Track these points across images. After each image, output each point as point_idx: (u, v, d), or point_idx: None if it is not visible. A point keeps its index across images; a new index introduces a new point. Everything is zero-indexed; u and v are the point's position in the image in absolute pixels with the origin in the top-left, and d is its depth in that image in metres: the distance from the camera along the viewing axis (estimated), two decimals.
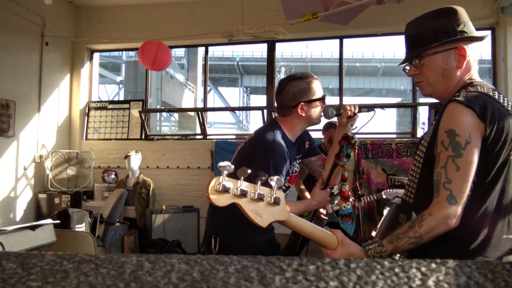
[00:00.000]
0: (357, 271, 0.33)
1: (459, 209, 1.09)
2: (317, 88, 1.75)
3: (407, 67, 1.33)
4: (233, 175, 0.98)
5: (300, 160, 1.91)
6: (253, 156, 1.71)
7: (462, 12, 1.25)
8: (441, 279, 0.32)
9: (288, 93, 1.74)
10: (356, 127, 1.68)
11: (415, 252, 1.22)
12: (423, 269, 0.33)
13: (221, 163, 0.94)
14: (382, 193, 3.53)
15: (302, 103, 1.72)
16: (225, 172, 0.93)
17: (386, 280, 0.32)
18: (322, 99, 1.76)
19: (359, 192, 3.57)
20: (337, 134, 1.74)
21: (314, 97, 1.73)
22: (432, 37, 1.22)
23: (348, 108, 1.67)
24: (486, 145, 1.10)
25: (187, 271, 0.33)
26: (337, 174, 1.75)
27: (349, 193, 1.70)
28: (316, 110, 1.75)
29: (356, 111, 1.67)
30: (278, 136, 1.73)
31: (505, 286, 0.31)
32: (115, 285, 0.31)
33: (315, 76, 1.79)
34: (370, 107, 1.71)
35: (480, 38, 1.25)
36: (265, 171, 1.66)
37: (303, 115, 1.73)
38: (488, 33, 1.31)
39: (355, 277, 0.32)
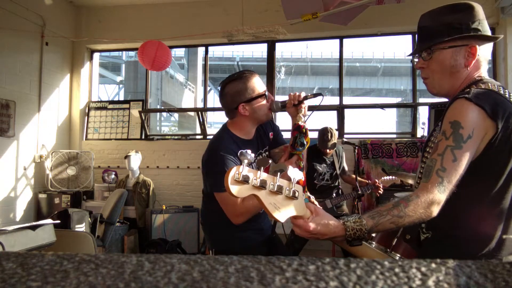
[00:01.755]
0: (357, 271, 0.33)
1: (444, 199, 1.06)
2: (255, 84, 1.70)
3: (416, 59, 1.30)
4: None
5: (267, 153, 1.87)
6: (202, 171, 1.73)
7: (479, 10, 1.21)
8: (441, 279, 0.32)
9: (227, 96, 1.72)
10: (307, 116, 1.66)
11: (425, 253, 1.21)
12: (423, 269, 0.33)
13: (242, 151, 0.90)
14: (379, 181, 3.52)
15: (243, 104, 1.68)
16: (246, 161, 0.89)
17: (386, 280, 0.32)
18: (263, 95, 1.71)
19: (359, 192, 3.57)
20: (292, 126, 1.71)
21: (253, 95, 1.69)
22: (444, 31, 1.19)
23: (292, 97, 1.66)
24: (497, 143, 1.09)
25: (187, 271, 0.33)
26: (293, 163, 1.69)
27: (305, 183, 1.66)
28: (260, 107, 1.71)
29: (301, 99, 1.64)
30: (220, 141, 1.71)
31: (505, 286, 0.31)
32: (115, 285, 0.31)
33: (253, 73, 1.73)
34: (316, 93, 1.68)
35: (493, 39, 1.22)
36: (209, 184, 1.67)
37: (247, 114, 1.70)
38: (501, 36, 1.28)
39: (355, 277, 0.32)
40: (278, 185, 0.94)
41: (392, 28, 4.90)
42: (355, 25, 4.48)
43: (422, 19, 1.28)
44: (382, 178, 3.57)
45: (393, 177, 3.54)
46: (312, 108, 1.75)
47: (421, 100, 4.99)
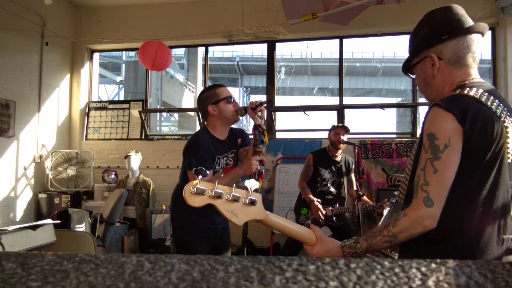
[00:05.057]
0: (357, 271, 0.33)
1: (436, 211, 1.08)
2: (220, 92, 2.21)
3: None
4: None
5: (233, 154, 2.32)
6: (183, 154, 2.21)
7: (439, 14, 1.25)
8: (441, 279, 0.32)
9: (200, 101, 2.26)
10: (263, 118, 2.07)
11: (404, 251, 1.23)
12: (423, 269, 0.33)
13: (196, 168, 1.06)
14: (388, 203, 3.43)
15: (211, 105, 2.19)
16: (200, 176, 1.05)
17: (386, 280, 0.32)
18: (226, 98, 2.19)
19: (359, 192, 3.56)
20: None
21: (219, 98, 2.19)
22: (415, 49, 1.27)
23: (251, 103, 2.10)
24: (467, 148, 1.10)
25: (187, 271, 0.33)
26: (257, 158, 2.08)
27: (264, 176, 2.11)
28: (225, 108, 2.18)
29: (258, 104, 2.07)
30: (200, 134, 2.21)
31: (505, 286, 0.31)
32: (115, 285, 0.31)
33: (220, 84, 2.28)
34: (267, 101, 2.29)
35: (455, 35, 1.19)
36: (189, 163, 2.13)
37: (216, 114, 2.19)
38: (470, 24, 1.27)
39: (355, 277, 0.32)
40: (234, 195, 1.07)
41: (392, 28, 4.90)
42: (355, 25, 4.48)
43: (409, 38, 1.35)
44: (392, 201, 3.47)
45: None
46: (313, 109, 2.14)
47: (421, 100, 4.99)
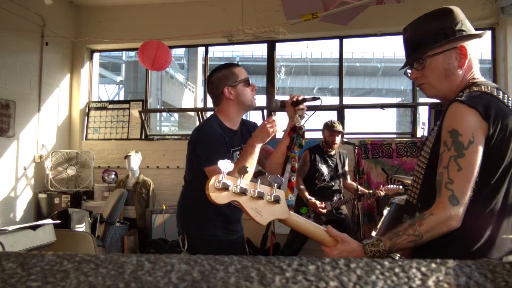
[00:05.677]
0: (357, 271, 0.33)
1: (461, 210, 1.07)
2: (239, 72, 1.86)
3: (409, 71, 1.32)
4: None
5: None
6: (188, 150, 1.85)
7: (458, 11, 1.24)
8: (441, 279, 0.32)
9: (213, 82, 1.89)
10: (305, 116, 1.70)
11: (418, 252, 1.21)
12: (423, 269, 0.33)
13: (221, 161, 0.95)
14: (383, 188, 3.50)
15: (228, 87, 1.83)
16: (225, 170, 0.95)
17: (386, 280, 0.32)
18: (245, 80, 1.85)
19: (359, 192, 3.57)
20: (287, 127, 1.76)
21: (238, 80, 1.84)
22: (431, 39, 1.21)
23: (292, 96, 1.70)
24: (490, 145, 1.09)
25: (187, 271, 0.33)
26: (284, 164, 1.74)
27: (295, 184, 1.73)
28: (244, 92, 1.84)
29: (300, 99, 1.67)
30: (209, 125, 1.83)
31: (505, 286, 0.31)
32: (115, 285, 0.31)
33: (237, 64, 1.94)
34: (315, 97, 1.68)
35: (479, 35, 1.24)
36: (196, 160, 1.74)
37: (232, 98, 1.84)
38: (486, 31, 1.31)
39: (355, 277, 0.32)
40: (259, 191, 0.99)
41: (392, 28, 4.90)
42: (355, 25, 4.48)
43: (406, 32, 1.31)
44: (387, 186, 3.54)
45: (397, 186, 3.52)
46: (313, 108, 1.81)
47: (421, 100, 4.99)
